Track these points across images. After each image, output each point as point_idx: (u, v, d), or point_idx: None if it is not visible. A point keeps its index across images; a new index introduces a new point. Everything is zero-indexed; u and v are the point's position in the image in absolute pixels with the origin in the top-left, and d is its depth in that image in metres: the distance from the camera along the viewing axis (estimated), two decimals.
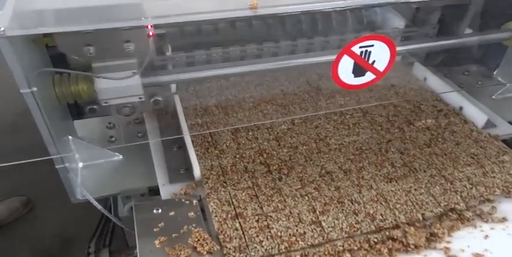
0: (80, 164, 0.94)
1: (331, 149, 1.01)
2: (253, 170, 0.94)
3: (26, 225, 1.85)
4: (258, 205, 0.85)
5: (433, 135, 1.06)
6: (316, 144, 1.02)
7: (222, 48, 1.06)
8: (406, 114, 1.13)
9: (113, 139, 1.03)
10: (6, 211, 1.83)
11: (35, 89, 0.69)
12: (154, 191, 0.92)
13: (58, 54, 0.85)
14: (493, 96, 1.19)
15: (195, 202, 0.86)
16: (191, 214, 0.83)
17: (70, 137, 0.89)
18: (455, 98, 1.16)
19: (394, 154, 1.00)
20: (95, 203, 0.86)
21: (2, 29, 0.61)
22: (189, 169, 0.92)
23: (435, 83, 1.22)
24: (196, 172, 0.90)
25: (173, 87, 1.10)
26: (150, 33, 0.80)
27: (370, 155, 0.99)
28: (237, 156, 0.97)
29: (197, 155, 0.94)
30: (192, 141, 0.96)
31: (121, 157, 0.97)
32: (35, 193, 1.94)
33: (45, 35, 0.80)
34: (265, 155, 0.98)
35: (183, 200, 0.87)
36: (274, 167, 0.95)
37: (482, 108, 1.11)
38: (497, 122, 1.10)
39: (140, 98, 0.87)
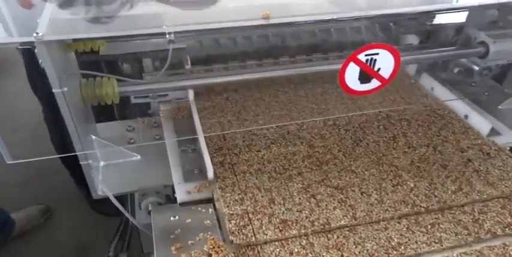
0: (101, 163, 0.99)
1: None
2: None
3: (44, 233, 1.89)
4: None
5: None
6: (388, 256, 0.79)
7: (239, 62, 1.13)
8: (496, 211, 0.87)
9: (132, 140, 1.09)
10: (25, 219, 1.88)
11: (65, 89, 0.76)
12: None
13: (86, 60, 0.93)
14: (500, 107, 1.22)
15: (210, 210, 0.89)
16: (207, 222, 0.85)
17: (93, 137, 0.95)
18: (461, 107, 1.19)
19: None
20: (113, 200, 0.91)
21: (40, 34, 0.68)
22: (202, 169, 0.96)
23: (442, 92, 1.26)
24: (210, 172, 0.94)
25: (191, 95, 1.17)
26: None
27: None
28: None
29: None
30: (234, 254, 0.81)
31: (139, 157, 1.02)
32: (53, 202, 2.00)
33: (75, 41, 0.88)
34: None
35: (199, 208, 0.90)
36: None
37: (488, 117, 1.14)
38: (503, 131, 1.12)
39: None
